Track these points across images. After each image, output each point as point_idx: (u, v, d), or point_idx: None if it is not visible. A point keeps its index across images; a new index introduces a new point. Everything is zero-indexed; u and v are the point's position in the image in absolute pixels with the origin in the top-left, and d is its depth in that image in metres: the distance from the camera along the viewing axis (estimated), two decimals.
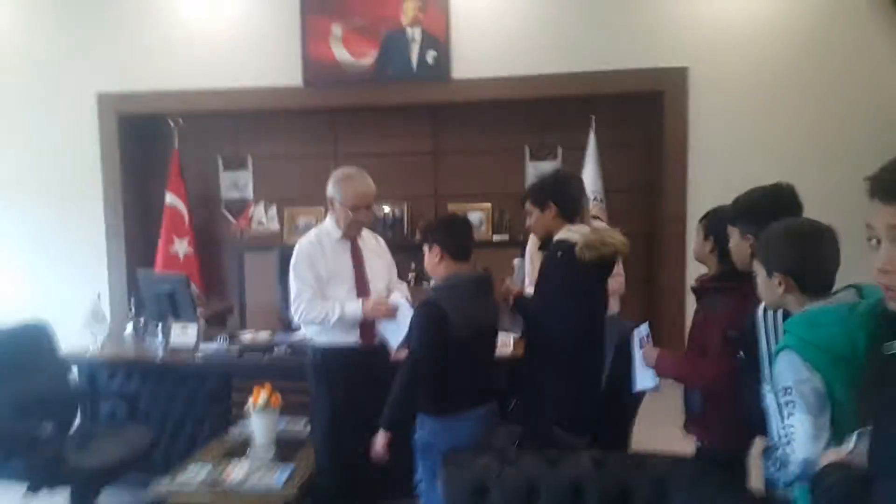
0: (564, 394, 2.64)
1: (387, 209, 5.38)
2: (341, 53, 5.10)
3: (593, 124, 5.00)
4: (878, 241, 1.20)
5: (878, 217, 1.16)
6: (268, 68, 5.16)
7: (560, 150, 5.32)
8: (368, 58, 5.08)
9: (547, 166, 5.26)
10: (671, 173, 4.93)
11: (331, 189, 2.94)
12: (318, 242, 2.95)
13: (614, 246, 2.61)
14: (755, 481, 2.23)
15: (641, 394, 2.89)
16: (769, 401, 1.89)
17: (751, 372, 2.09)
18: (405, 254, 4.49)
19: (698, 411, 2.46)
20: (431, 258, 2.68)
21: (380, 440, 2.55)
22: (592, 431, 2.70)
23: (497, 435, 2.87)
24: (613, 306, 3.96)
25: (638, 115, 5.16)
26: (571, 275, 2.57)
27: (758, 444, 2.17)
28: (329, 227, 3.00)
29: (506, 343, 3.45)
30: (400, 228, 5.42)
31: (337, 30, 5.09)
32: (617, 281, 3.39)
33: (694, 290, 2.52)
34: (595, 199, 4.97)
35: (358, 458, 2.69)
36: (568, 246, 2.59)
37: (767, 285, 1.89)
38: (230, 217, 5.62)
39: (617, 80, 4.86)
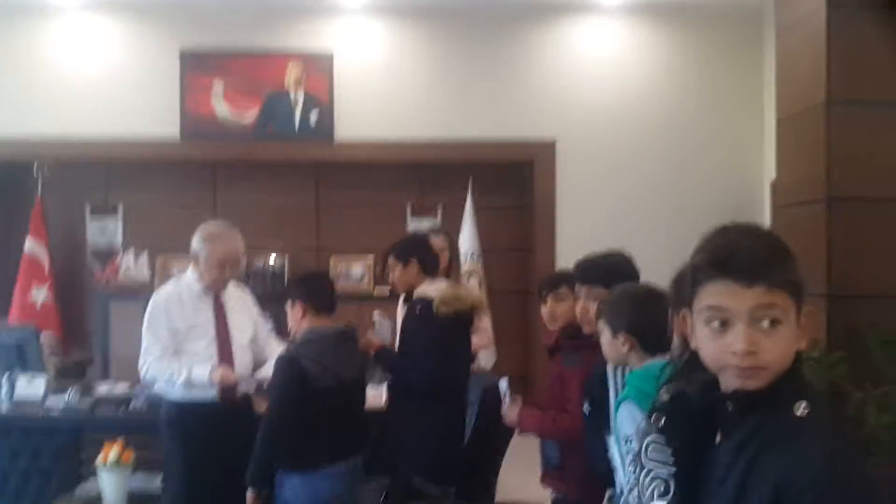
0: (422, 444, 2.70)
1: (272, 260, 5.32)
2: (221, 109, 5.11)
3: (471, 186, 5.24)
4: (723, 324, 1.10)
5: (736, 299, 1.08)
6: (144, 119, 5.08)
7: (440, 209, 5.51)
8: (250, 115, 5.13)
9: (427, 223, 5.42)
10: (541, 234, 5.24)
11: (196, 244, 2.88)
12: (177, 294, 2.88)
13: (470, 301, 2.74)
14: None
15: (506, 444, 2.99)
16: (614, 452, 2.03)
17: (599, 425, 2.23)
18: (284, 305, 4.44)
19: (555, 464, 2.57)
20: (294, 314, 2.69)
21: (248, 499, 2.49)
22: (454, 482, 2.74)
23: (363, 491, 2.86)
24: (485, 360, 4.08)
25: (511, 179, 5.47)
26: (429, 329, 2.69)
27: (607, 494, 2.29)
28: (191, 279, 2.93)
29: (377, 395, 3.46)
30: (280, 280, 5.35)
31: (218, 86, 5.10)
32: (483, 336, 3.50)
33: (548, 348, 2.65)
34: (471, 257, 5.15)
35: None
36: (426, 302, 2.70)
37: (612, 344, 2.05)
38: (96, 265, 5.35)
39: (491, 149, 5.18)
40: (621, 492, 1.93)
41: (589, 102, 5.22)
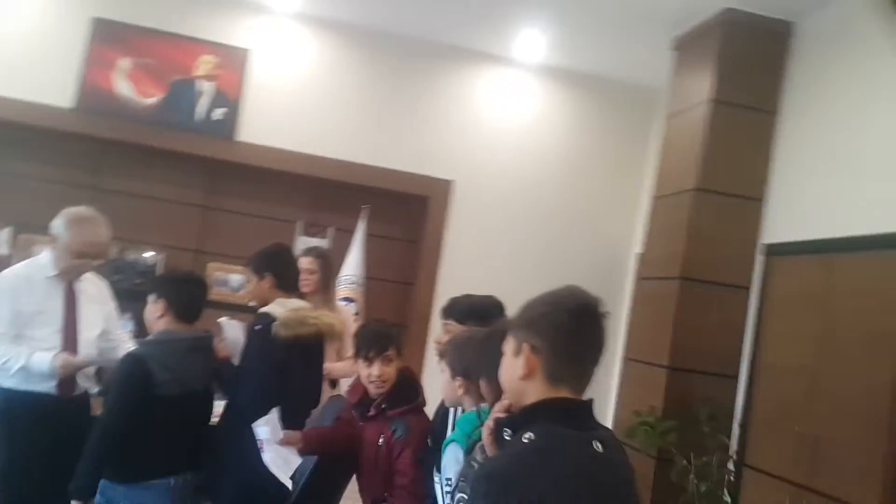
0: (240, 475, 2.56)
1: (147, 255, 5.11)
2: (124, 87, 4.91)
3: (364, 213, 5.27)
4: None
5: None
6: (39, 81, 4.79)
7: (331, 230, 5.50)
8: (152, 98, 4.95)
9: (316, 242, 5.38)
10: (425, 270, 5.32)
11: (58, 227, 2.71)
12: (26, 276, 2.71)
13: (317, 327, 2.68)
14: None
15: (351, 475, 2.95)
16: (437, 489, 2.10)
17: (433, 461, 2.28)
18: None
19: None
20: (153, 311, 2.58)
21: None
22: None
23: None
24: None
25: (405, 212, 5.55)
26: (266, 349, 2.57)
27: None
28: (44, 261, 2.75)
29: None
30: (151, 277, 5.13)
31: (124, 63, 4.91)
32: (346, 363, 3.47)
33: (370, 416, 2.47)
34: (355, 282, 5.16)
35: None
36: (268, 320, 2.62)
37: (450, 386, 2.13)
38: None
39: (390, 178, 5.23)
40: None
41: (490, 151, 5.39)
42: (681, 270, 3.73)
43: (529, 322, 1.40)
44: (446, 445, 2.03)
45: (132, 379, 2.41)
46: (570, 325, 1.37)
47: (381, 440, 2.43)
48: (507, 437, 1.37)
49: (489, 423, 1.55)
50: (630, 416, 3.67)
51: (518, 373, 1.37)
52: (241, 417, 2.58)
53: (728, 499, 3.58)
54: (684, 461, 3.52)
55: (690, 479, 3.50)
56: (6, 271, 2.75)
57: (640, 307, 4.20)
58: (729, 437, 3.68)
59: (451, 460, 1.96)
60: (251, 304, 4.93)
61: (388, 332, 2.58)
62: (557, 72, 5.44)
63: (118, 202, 4.91)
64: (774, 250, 3.68)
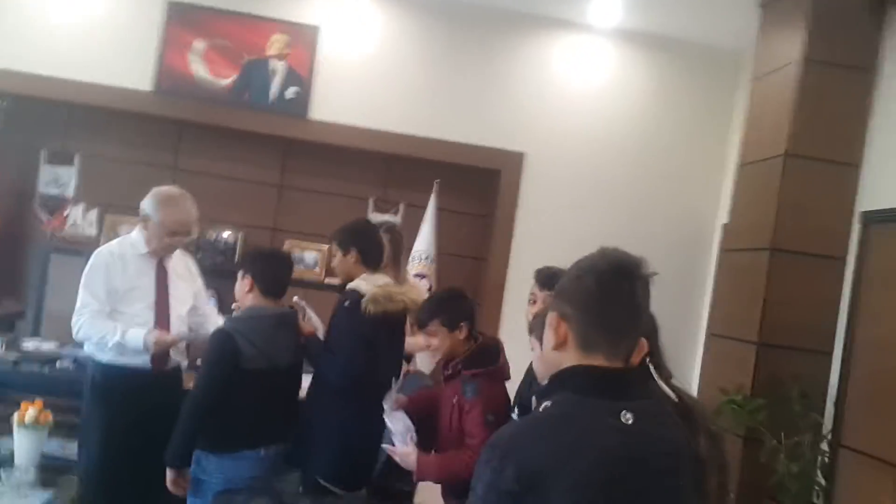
0: (329, 444, 2.64)
1: (226, 234, 5.25)
2: (199, 69, 5.01)
3: (436, 188, 5.24)
4: None
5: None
6: (118, 66, 4.94)
7: (402, 206, 5.49)
8: (227, 79, 5.03)
9: (388, 218, 5.40)
10: (498, 245, 5.26)
11: (148, 207, 2.83)
12: (119, 254, 2.82)
13: (403, 303, 2.70)
14: None
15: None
16: None
17: None
18: (232, 282, 4.40)
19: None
20: (242, 286, 2.67)
21: (169, 479, 2.45)
22: (361, 485, 2.73)
23: (284, 479, 2.84)
24: (423, 363, 4.09)
25: (477, 186, 5.48)
26: (355, 324, 2.63)
27: None
28: (136, 240, 2.87)
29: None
30: (231, 255, 5.29)
31: (199, 45, 5.00)
32: (423, 338, 3.48)
33: (447, 375, 2.56)
34: (427, 258, 5.16)
35: (128, 495, 2.55)
36: (356, 296, 2.65)
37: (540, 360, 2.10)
38: (44, 214, 5.21)
39: (461, 152, 5.17)
40: None
41: (563, 121, 5.24)
42: (770, 241, 3.54)
43: (560, 290, 1.36)
44: None
45: (222, 354, 2.50)
46: (598, 289, 1.32)
47: (455, 399, 2.49)
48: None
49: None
50: (716, 395, 3.53)
51: (550, 343, 1.33)
52: (330, 391, 2.64)
53: (822, 480, 3.43)
54: (774, 441, 3.38)
55: (781, 460, 3.36)
56: (100, 249, 2.87)
57: (726, 280, 4.03)
58: (822, 416, 3.51)
59: None
60: (328, 280, 5.08)
61: (429, 307, 2.60)
62: (634, 35, 5.21)
63: (197, 182, 5.01)
64: (872, 218, 3.45)
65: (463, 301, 2.67)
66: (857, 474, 3.29)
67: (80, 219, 5.06)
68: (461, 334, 2.55)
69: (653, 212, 5.25)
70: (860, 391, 3.39)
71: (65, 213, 5.08)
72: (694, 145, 5.31)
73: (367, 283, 2.72)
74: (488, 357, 2.52)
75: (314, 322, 2.94)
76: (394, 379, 2.88)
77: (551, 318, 1.34)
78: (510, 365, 2.66)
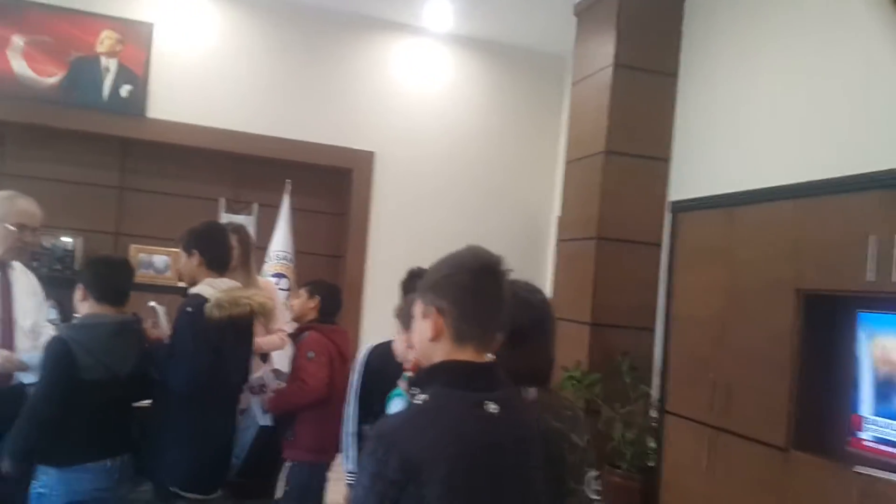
0: (173, 450, 2.60)
1: (66, 239, 4.93)
2: (21, 66, 4.66)
3: (288, 187, 5.21)
4: None
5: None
6: None
7: (256, 206, 5.41)
8: (53, 77, 4.72)
9: (241, 219, 5.29)
10: (354, 242, 5.33)
11: None
12: None
13: (249, 307, 2.69)
14: None
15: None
16: None
17: None
18: (73, 291, 4.15)
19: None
20: (77, 295, 2.56)
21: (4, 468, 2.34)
22: (216, 488, 2.72)
23: (139, 490, 2.75)
24: (280, 362, 4.06)
25: (330, 185, 5.51)
26: (198, 330, 2.57)
27: None
28: None
29: None
30: (70, 262, 4.97)
31: (18, 41, 4.65)
32: (277, 337, 3.49)
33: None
34: (284, 258, 5.12)
35: None
36: (199, 301, 2.61)
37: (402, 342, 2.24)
38: None
39: (312, 152, 5.19)
40: None
41: (408, 120, 5.41)
42: (596, 230, 3.87)
43: (434, 285, 1.43)
44: (391, 398, 2.17)
45: (57, 363, 2.38)
46: (472, 286, 1.40)
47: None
48: (413, 398, 1.41)
49: (402, 384, 1.59)
50: (558, 372, 3.81)
51: (426, 335, 1.41)
52: (176, 397, 2.59)
53: (653, 444, 3.78)
54: (610, 412, 3.70)
55: (617, 428, 3.68)
56: None
57: (562, 268, 4.34)
58: (650, 386, 3.87)
59: (394, 410, 2.11)
60: (181, 283, 4.91)
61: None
62: (467, 40, 5.45)
63: (25, 186, 4.54)
64: (680, 207, 3.83)
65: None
66: (680, 436, 3.66)
67: None
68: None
69: (495, 206, 5.54)
70: (679, 362, 3.75)
71: None
72: (528, 143, 5.63)
73: (212, 288, 2.67)
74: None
75: (164, 328, 2.86)
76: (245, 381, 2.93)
77: (426, 311, 1.42)
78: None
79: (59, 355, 2.39)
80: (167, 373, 2.65)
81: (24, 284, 2.81)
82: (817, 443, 2.80)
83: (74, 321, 2.54)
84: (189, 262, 2.76)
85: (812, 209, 2.85)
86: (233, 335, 2.71)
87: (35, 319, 2.82)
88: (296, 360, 3.11)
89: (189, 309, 2.62)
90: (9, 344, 2.65)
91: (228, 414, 2.80)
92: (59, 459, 2.43)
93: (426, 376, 1.40)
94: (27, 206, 2.72)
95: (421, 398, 1.35)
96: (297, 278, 5.05)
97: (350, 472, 2.53)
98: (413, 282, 2.89)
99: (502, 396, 1.39)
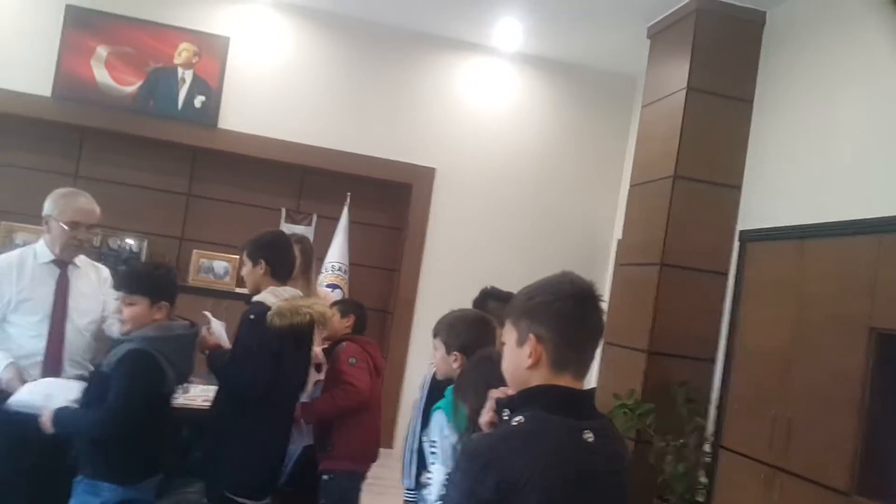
0: (232, 459, 2.62)
1: (131, 241, 5.11)
2: (102, 75, 4.88)
3: (348, 200, 5.29)
4: None
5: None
6: (15, 70, 4.77)
7: (315, 217, 5.51)
8: (131, 86, 4.93)
9: (300, 229, 5.40)
10: (409, 257, 5.36)
11: (48, 206, 2.69)
12: (17, 263, 2.67)
13: (310, 315, 2.72)
14: None
15: None
16: (425, 445, 2.19)
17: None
18: None
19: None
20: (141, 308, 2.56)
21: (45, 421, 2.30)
22: (266, 495, 2.74)
23: (185, 491, 2.80)
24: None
25: (389, 199, 5.58)
26: (261, 337, 2.60)
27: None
28: (39, 248, 2.74)
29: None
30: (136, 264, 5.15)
31: (102, 51, 4.88)
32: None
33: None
34: (340, 269, 5.19)
35: None
36: (262, 310, 2.63)
37: (445, 361, 2.22)
38: None
39: (373, 166, 5.26)
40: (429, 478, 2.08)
41: (471, 138, 5.43)
42: (660, 256, 3.80)
43: (532, 311, 1.40)
44: (434, 411, 2.13)
45: (147, 379, 2.31)
46: (574, 313, 1.38)
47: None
48: (505, 418, 1.40)
49: (490, 403, 1.57)
50: (609, 400, 3.75)
51: (524, 363, 1.38)
52: (236, 403, 2.64)
53: (705, 479, 3.67)
54: (662, 443, 3.60)
55: (668, 461, 3.59)
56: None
57: (620, 292, 4.27)
58: (706, 419, 3.77)
59: (437, 425, 2.08)
60: (239, 289, 5.02)
61: None
62: (536, 60, 5.46)
63: (99, 189, 4.76)
64: (750, 236, 3.75)
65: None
66: (734, 473, 3.55)
67: None
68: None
69: (554, 226, 5.50)
70: (739, 396, 3.66)
71: None
72: (592, 165, 5.59)
73: (274, 296, 2.70)
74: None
75: (219, 335, 2.90)
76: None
77: (527, 338, 1.39)
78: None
79: (148, 371, 2.30)
80: (228, 379, 2.69)
81: (87, 283, 2.84)
82: (882, 489, 2.68)
83: (152, 330, 2.40)
84: (255, 271, 2.79)
85: (891, 244, 2.75)
86: (293, 343, 2.74)
87: (95, 317, 2.84)
88: (336, 367, 3.12)
89: (252, 316, 2.65)
90: (58, 341, 2.69)
91: (285, 421, 2.83)
92: (127, 477, 2.34)
93: (523, 399, 1.38)
94: (84, 204, 2.75)
95: (516, 420, 1.33)
96: (351, 290, 5.12)
97: (409, 490, 2.49)
98: (485, 300, 2.91)
99: (598, 426, 1.38)
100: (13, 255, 2.75)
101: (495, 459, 1.27)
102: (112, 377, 2.28)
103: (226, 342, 2.93)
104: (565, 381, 1.38)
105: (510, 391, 1.46)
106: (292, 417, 2.90)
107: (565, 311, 1.37)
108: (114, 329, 2.72)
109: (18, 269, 2.68)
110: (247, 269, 2.82)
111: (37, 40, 4.81)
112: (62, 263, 2.78)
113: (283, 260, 2.84)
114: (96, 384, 2.36)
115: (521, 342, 1.40)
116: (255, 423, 2.65)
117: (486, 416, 1.57)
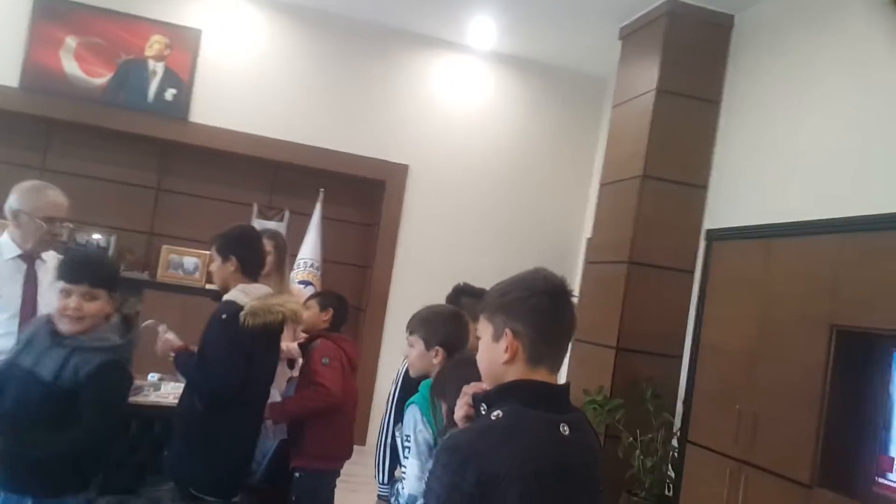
0: (200, 458, 2.60)
1: (98, 236, 5.03)
2: (71, 66, 4.80)
3: (321, 196, 5.27)
4: None
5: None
6: None
7: (287, 213, 5.49)
8: (101, 78, 4.85)
9: (272, 225, 5.37)
10: (382, 253, 5.36)
11: (15, 201, 2.62)
12: None
13: (282, 314, 2.70)
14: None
15: None
16: (398, 442, 2.20)
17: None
18: None
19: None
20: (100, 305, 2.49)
21: None
22: (236, 492, 2.72)
23: (159, 489, 2.77)
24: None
25: (362, 196, 5.57)
26: (232, 336, 2.57)
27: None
28: (4, 243, 2.70)
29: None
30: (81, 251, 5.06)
31: (71, 42, 4.79)
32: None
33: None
34: (312, 266, 5.18)
35: None
36: (234, 309, 2.59)
37: (425, 356, 2.22)
38: None
39: (347, 162, 5.25)
40: (403, 472, 2.09)
41: (444, 135, 5.46)
42: (629, 255, 3.86)
43: (507, 307, 1.42)
44: (408, 406, 2.14)
45: (124, 391, 2.24)
46: (549, 309, 1.40)
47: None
48: (483, 412, 1.42)
49: (465, 398, 1.58)
50: (579, 396, 3.79)
51: (501, 358, 1.40)
52: (205, 402, 2.60)
53: (672, 473, 3.73)
54: (630, 438, 3.66)
55: (636, 455, 3.64)
56: None
57: (590, 290, 4.33)
58: (673, 414, 3.83)
59: (410, 419, 2.09)
60: (209, 286, 4.97)
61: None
62: (509, 59, 5.50)
63: (68, 183, 4.65)
64: (716, 235, 3.81)
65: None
66: (701, 467, 3.61)
67: None
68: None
69: (525, 224, 5.55)
70: (705, 391, 3.71)
71: None
72: (562, 164, 5.65)
73: (245, 295, 2.64)
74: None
75: (172, 338, 2.80)
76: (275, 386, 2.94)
77: (503, 333, 1.40)
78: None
79: (121, 383, 2.20)
80: (201, 380, 2.64)
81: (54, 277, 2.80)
82: (842, 482, 2.75)
83: (119, 340, 2.22)
84: (224, 267, 2.73)
85: (853, 245, 2.82)
86: (264, 342, 2.71)
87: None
88: (309, 367, 3.08)
89: (224, 316, 2.61)
90: None
91: (254, 420, 2.79)
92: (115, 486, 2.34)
93: (500, 393, 1.40)
94: (55, 198, 2.70)
95: (494, 414, 1.35)
96: (323, 287, 5.10)
97: (383, 485, 2.50)
98: (458, 297, 2.89)
99: (573, 419, 1.40)
100: None
101: (475, 454, 1.28)
102: (84, 393, 2.08)
103: (182, 343, 2.84)
104: (541, 375, 1.40)
105: (485, 386, 1.48)
106: (261, 416, 2.86)
107: (540, 306, 1.39)
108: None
109: None
110: (216, 265, 2.75)
111: (4, 30, 4.71)
112: (29, 258, 2.72)
113: (254, 256, 2.78)
114: (56, 400, 2.09)
115: (496, 337, 1.42)
116: (223, 422, 2.61)
117: (460, 411, 1.58)
